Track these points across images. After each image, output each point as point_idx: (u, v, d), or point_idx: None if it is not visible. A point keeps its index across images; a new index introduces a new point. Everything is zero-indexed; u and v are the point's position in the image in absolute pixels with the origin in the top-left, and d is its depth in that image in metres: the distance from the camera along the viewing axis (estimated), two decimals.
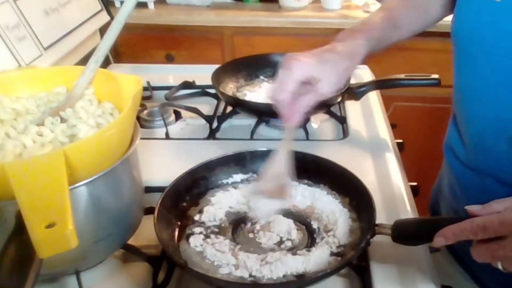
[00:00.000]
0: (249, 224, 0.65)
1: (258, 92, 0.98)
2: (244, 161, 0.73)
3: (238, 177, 0.73)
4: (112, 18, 1.12)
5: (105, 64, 1.12)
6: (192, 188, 0.69)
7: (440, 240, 0.50)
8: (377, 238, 0.58)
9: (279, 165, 0.63)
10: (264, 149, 0.73)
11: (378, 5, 1.71)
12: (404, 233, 0.56)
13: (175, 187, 0.66)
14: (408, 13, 0.79)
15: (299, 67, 0.63)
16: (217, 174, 0.72)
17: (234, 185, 0.72)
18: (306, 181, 0.71)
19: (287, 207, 0.67)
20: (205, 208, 0.67)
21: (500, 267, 0.49)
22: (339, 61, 0.67)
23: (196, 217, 0.66)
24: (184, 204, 0.68)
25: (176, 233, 0.64)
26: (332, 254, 0.58)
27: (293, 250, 0.60)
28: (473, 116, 0.68)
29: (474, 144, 0.69)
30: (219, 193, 0.70)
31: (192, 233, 0.63)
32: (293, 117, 0.63)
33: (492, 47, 0.61)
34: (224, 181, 0.72)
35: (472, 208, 0.51)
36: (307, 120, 0.94)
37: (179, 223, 0.65)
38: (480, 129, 0.66)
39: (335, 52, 0.68)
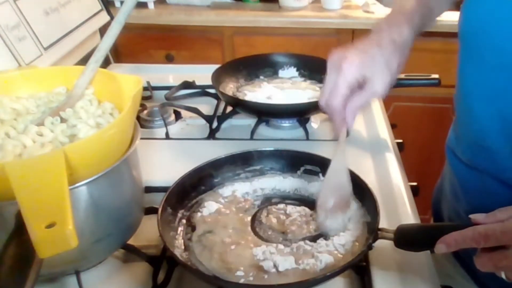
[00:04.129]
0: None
1: (258, 92, 0.98)
2: (251, 161, 0.73)
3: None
4: (112, 18, 1.13)
5: (105, 64, 1.12)
6: (197, 186, 0.69)
7: (441, 247, 0.50)
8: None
9: (340, 174, 0.62)
10: (271, 148, 0.73)
11: (378, 5, 1.70)
12: (407, 239, 0.56)
13: (181, 184, 0.66)
14: None
15: (351, 68, 0.61)
16: (223, 172, 0.71)
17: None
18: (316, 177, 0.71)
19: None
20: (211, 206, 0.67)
21: (503, 276, 0.48)
22: (390, 57, 0.63)
23: (199, 215, 0.65)
24: (189, 201, 0.67)
25: (179, 230, 0.63)
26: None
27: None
28: (476, 114, 0.67)
29: (476, 142, 0.68)
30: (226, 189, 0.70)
31: (195, 231, 0.63)
32: (347, 120, 0.62)
33: (502, 45, 0.60)
34: (231, 179, 0.72)
35: (475, 217, 0.51)
36: (307, 120, 0.94)
37: (183, 220, 0.65)
38: (483, 127, 0.66)
39: (383, 47, 0.64)
